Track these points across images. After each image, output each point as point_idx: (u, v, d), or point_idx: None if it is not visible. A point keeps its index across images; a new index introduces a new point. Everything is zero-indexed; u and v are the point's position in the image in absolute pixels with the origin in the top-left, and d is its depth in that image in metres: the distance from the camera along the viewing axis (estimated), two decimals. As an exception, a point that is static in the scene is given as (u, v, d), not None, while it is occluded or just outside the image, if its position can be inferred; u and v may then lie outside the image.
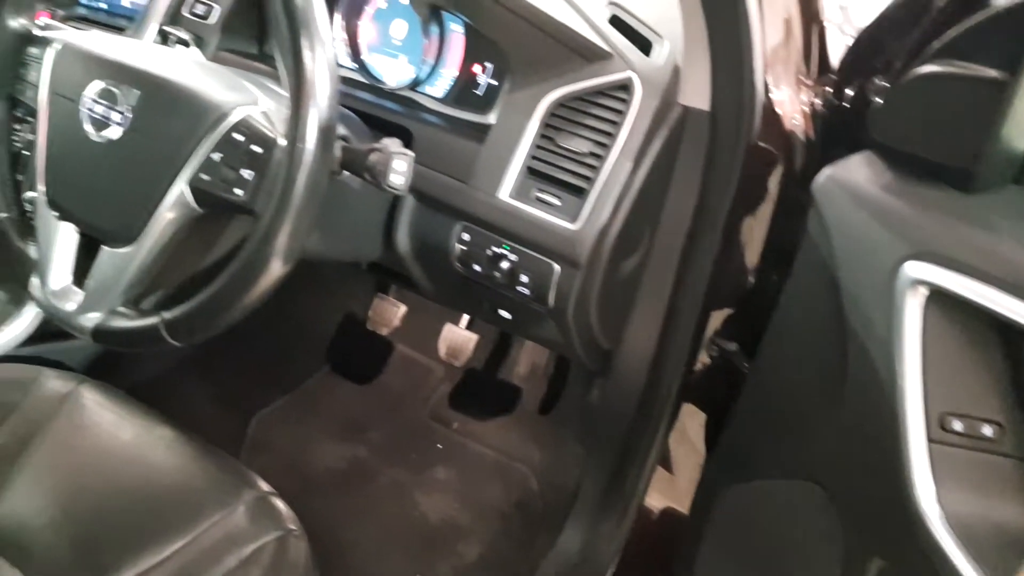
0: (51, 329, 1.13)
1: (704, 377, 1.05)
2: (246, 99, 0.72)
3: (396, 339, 1.57)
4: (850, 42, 0.89)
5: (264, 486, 0.90)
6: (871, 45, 0.86)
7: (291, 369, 1.52)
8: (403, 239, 0.97)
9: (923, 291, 0.63)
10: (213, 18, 1.04)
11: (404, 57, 1.02)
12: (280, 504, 0.89)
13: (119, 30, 1.10)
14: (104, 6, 1.16)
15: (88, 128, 0.75)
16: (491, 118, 0.95)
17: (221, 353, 1.41)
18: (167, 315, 0.71)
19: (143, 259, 0.73)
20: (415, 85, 1.01)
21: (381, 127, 0.95)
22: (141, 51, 0.78)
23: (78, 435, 0.93)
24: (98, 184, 0.75)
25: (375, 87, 1.04)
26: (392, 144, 0.74)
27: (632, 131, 0.83)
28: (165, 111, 0.73)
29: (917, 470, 0.64)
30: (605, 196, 0.83)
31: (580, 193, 0.85)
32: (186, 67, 0.76)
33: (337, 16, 1.05)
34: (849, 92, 0.87)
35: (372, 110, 0.98)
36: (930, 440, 0.64)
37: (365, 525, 1.31)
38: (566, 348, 0.99)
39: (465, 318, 1.43)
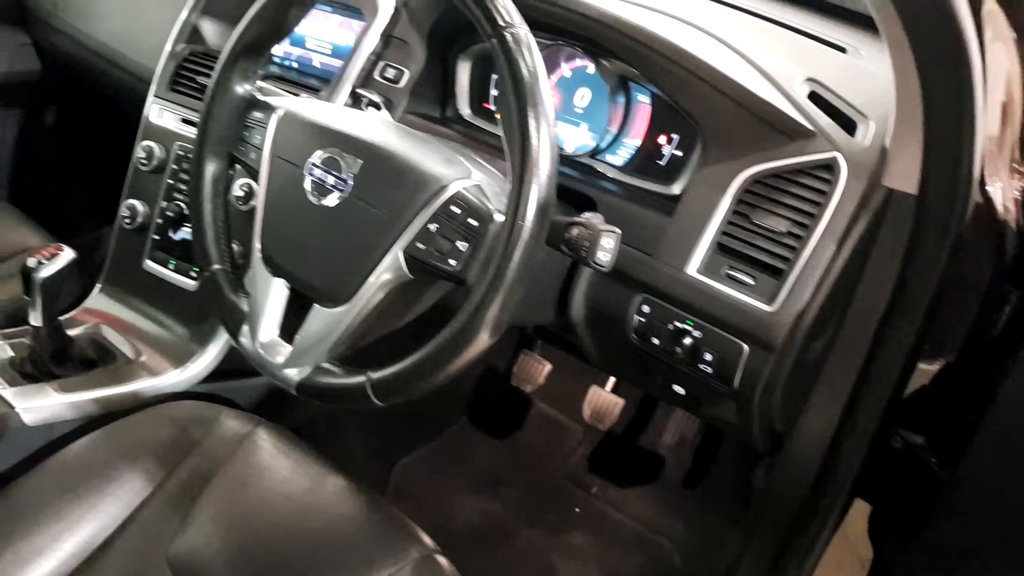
0: (222, 367, 1.18)
1: (879, 468, 0.99)
2: (461, 173, 0.74)
3: (537, 396, 1.56)
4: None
5: (430, 543, 0.90)
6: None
7: (432, 419, 1.54)
8: (578, 306, 0.97)
9: None
10: (403, 82, 1.08)
11: (585, 125, 1.03)
12: (445, 563, 0.89)
13: (309, 89, 1.16)
14: (295, 65, 1.23)
15: (310, 192, 0.78)
16: (675, 189, 0.95)
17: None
18: (374, 375, 0.73)
19: (352, 320, 0.76)
20: (595, 153, 1.01)
21: (560, 193, 0.96)
22: (362, 121, 0.82)
23: (255, 477, 0.96)
24: (315, 245, 0.78)
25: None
26: (596, 220, 0.74)
27: (836, 213, 0.81)
28: (386, 181, 0.75)
29: None
30: (805, 279, 0.81)
31: (777, 274, 0.82)
32: (405, 139, 0.79)
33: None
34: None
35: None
36: None
37: (503, 586, 1.30)
38: (737, 428, 0.96)
39: (611, 381, 1.41)
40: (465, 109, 1.12)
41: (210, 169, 0.88)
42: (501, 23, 0.68)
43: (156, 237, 1.19)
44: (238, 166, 0.92)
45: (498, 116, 1.03)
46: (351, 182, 0.76)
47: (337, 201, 0.77)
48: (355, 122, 0.80)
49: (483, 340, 0.69)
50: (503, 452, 1.52)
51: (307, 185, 0.79)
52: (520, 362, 1.54)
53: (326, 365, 0.78)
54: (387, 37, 1.10)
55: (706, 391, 0.92)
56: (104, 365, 1.12)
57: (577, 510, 1.42)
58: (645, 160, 0.99)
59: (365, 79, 1.10)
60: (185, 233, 1.17)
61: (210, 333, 1.14)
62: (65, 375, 1.06)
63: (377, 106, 1.03)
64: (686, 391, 0.94)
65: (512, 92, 0.67)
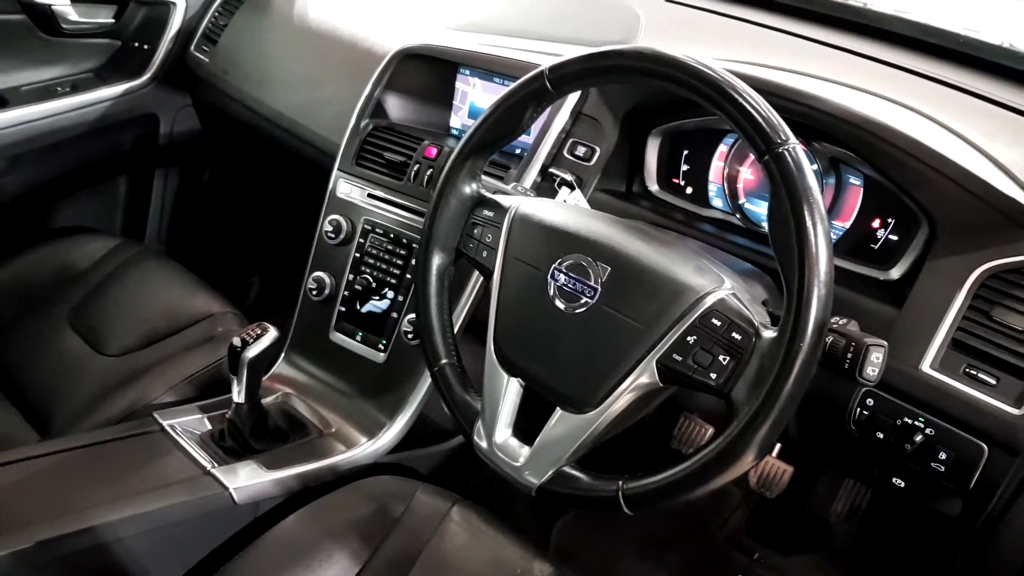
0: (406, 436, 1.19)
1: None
2: (716, 282, 0.73)
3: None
4: None
5: None
6: None
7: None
8: (790, 393, 0.95)
9: None
10: (594, 160, 1.08)
11: (787, 204, 1.01)
12: None
13: (492, 163, 1.17)
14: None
15: (554, 298, 0.78)
16: (893, 274, 0.92)
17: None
18: (626, 485, 0.72)
19: (598, 425, 0.75)
20: (797, 233, 0.99)
21: (765, 271, 0.94)
22: (605, 225, 0.81)
23: (459, 559, 0.96)
24: (560, 350, 0.78)
25: (751, 231, 1.04)
26: (854, 327, 0.72)
27: None
28: (637, 290, 0.74)
29: None
30: (1056, 382, 0.77)
31: (1022, 374, 0.79)
32: (651, 244, 0.78)
33: (718, 162, 1.06)
34: None
35: (747, 254, 0.97)
36: None
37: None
38: (954, 520, 0.92)
39: (777, 447, 1.38)
40: (653, 185, 1.12)
41: (436, 264, 0.89)
42: (777, 140, 0.67)
43: (343, 309, 1.21)
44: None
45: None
46: (599, 289, 0.76)
47: (584, 308, 0.77)
48: (598, 227, 0.80)
49: (748, 461, 0.67)
50: (659, 514, 1.49)
51: (550, 290, 0.79)
52: (680, 424, 1.51)
53: (568, 470, 0.77)
54: (576, 114, 1.10)
55: (930, 488, 0.88)
56: (297, 437, 1.14)
57: (741, 576, 1.39)
58: (855, 243, 0.97)
59: (555, 157, 1.10)
60: (372, 306, 1.19)
61: (398, 404, 1.16)
62: (262, 448, 1.09)
63: (571, 185, 1.04)
64: (907, 485, 0.91)
65: (790, 209, 0.65)
